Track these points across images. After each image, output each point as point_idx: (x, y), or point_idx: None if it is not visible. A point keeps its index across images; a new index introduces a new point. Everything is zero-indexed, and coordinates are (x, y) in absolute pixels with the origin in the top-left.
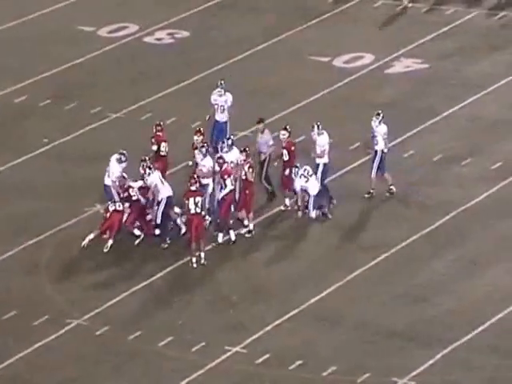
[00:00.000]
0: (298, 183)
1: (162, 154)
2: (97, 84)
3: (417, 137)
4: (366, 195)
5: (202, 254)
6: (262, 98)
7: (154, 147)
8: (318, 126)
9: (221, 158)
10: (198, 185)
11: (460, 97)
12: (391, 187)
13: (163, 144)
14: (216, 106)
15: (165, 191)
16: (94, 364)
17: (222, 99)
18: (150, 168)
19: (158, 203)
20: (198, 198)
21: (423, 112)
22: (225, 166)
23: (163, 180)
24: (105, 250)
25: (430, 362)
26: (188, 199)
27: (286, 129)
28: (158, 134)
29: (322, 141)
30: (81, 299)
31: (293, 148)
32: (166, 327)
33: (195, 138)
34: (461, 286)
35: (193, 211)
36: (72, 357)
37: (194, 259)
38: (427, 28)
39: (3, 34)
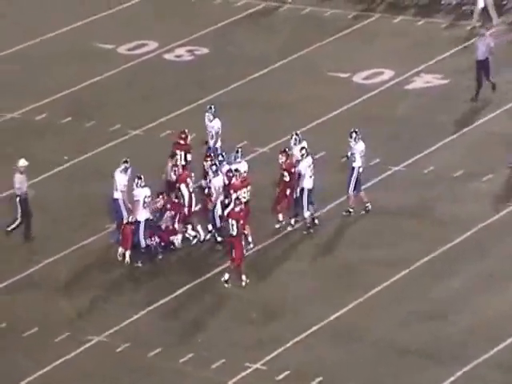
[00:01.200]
0: (304, 165)
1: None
2: (116, 101)
3: (437, 152)
4: (345, 213)
5: (226, 276)
6: (281, 114)
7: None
8: (298, 135)
9: (230, 170)
10: (242, 206)
11: (480, 112)
12: (367, 205)
13: (178, 152)
14: (208, 132)
15: (143, 214)
16: (114, 381)
17: (210, 125)
18: (139, 178)
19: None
20: (233, 222)
21: (443, 127)
22: (233, 180)
23: (147, 201)
24: (125, 263)
25: (451, 378)
26: (228, 219)
27: (284, 151)
28: (179, 141)
29: (296, 151)
30: (101, 316)
31: (293, 170)
32: (186, 344)
33: (205, 164)
34: (479, 302)
35: (230, 231)
36: (92, 373)
37: (244, 278)
38: (447, 43)
39: (23, 52)
